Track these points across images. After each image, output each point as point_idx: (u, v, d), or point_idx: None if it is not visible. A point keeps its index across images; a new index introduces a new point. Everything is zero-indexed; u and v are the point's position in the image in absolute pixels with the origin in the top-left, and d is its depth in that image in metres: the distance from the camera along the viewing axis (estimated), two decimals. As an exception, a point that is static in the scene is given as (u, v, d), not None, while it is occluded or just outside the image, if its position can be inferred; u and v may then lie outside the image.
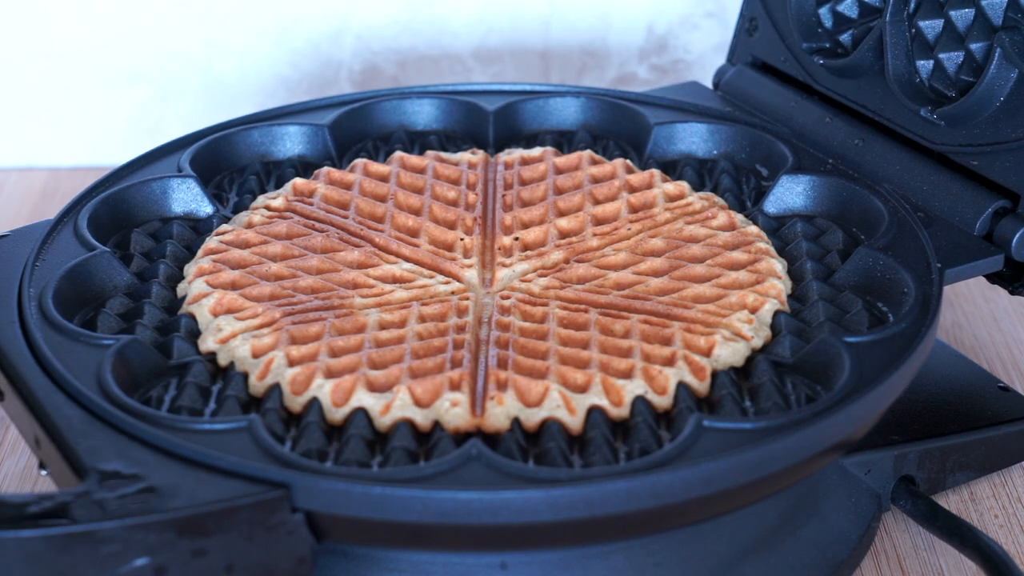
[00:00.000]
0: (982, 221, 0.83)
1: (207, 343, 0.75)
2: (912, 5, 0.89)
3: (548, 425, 0.70)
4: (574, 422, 0.70)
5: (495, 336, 0.75)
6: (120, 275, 0.80)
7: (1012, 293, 0.83)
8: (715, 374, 0.73)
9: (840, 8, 0.95)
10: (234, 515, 0.63)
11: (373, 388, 0.71)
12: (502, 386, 0.71)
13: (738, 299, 0.77)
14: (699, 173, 0.92)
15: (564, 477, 0.65)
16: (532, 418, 0.70)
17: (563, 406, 0.70)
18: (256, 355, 0.73)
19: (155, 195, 0.87)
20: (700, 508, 0.67)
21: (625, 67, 1.24)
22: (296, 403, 0.71)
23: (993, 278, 0.83)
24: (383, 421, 0.70)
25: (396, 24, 1.22)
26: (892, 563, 0.78)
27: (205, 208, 0.87)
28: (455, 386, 0.71)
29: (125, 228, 0.85)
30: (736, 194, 0.89)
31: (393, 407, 0.70)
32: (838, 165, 0.89)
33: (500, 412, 0.70)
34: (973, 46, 0.86)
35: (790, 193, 0.87)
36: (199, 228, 0.86)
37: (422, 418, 0.70)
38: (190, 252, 0.83)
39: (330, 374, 0.72)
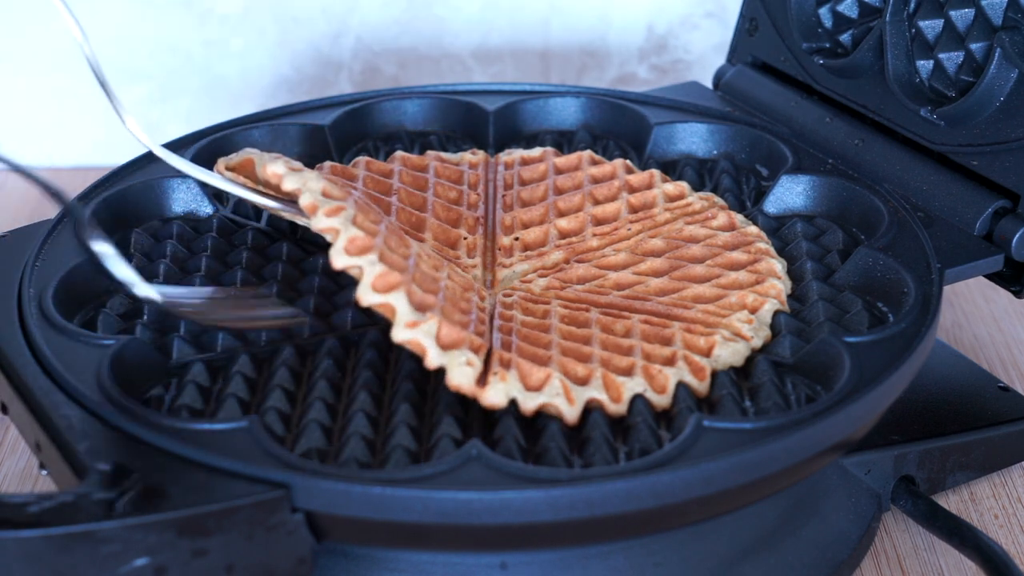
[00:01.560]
0: (982, 221, 0.83)
1: (276, 166, 0.75)
2: (912, 5, 0.89)
3: (548, 424, 0.70)
4: (571, 413, 0.70)
5: (498, 324, 0.75)
6: (120, 275, 0.80)
7: (1018, 296, 0.83)
8: (715, 374, 0.73)
9: (840, 8, 0.95)
10: (234, 515, 0.63)
11: (411, 300, 0.70)
12: (506, 364, 0.71)
13: (738, 299, 0.77)
14: (699, 173, 0.92)
15: (564, 477, 0.65)
16: (530, 402, 0.70)
17: (562, 394, 0.70)
18: (326, 195, 0.73)
19: (155, 195, 0.87)
20: (700, 508, 0.67)
21: (625, 67, 1.24)
22: (342, 260, 0.70)
23: (993, 278, 0.83)
24: (401, 334, 0.69)
25: (396, 24, 1.22)
26: (892, 563, 0.78)
27: (205, 208, 0.87)
28: (475, 349, 0.71)
29: (125, 228, 0.85)
30: (736, 194, 0.89)
31: (419, 328, 0.69)
32: (838, 165, 0.89)
33: (501, 388, 0.70)
34: (973, 46, 0.86)
35: (790, 193, 0.87)
36: (199, 228, 0.86)
37: (434, 356, 0.69)
38: (190, 252, 0.83)
39: (382, 259, 0.71)
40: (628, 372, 0.72)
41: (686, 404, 0.71)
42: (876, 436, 0.76)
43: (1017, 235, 0.81)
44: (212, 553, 0.63)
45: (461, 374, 0.70)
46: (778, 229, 0.86)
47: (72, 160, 1.22)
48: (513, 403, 0.71)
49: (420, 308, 0.70)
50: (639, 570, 0.71)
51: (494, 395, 0.70)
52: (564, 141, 0.96)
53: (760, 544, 0.73)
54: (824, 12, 0.95)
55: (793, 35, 0.96)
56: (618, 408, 0.71)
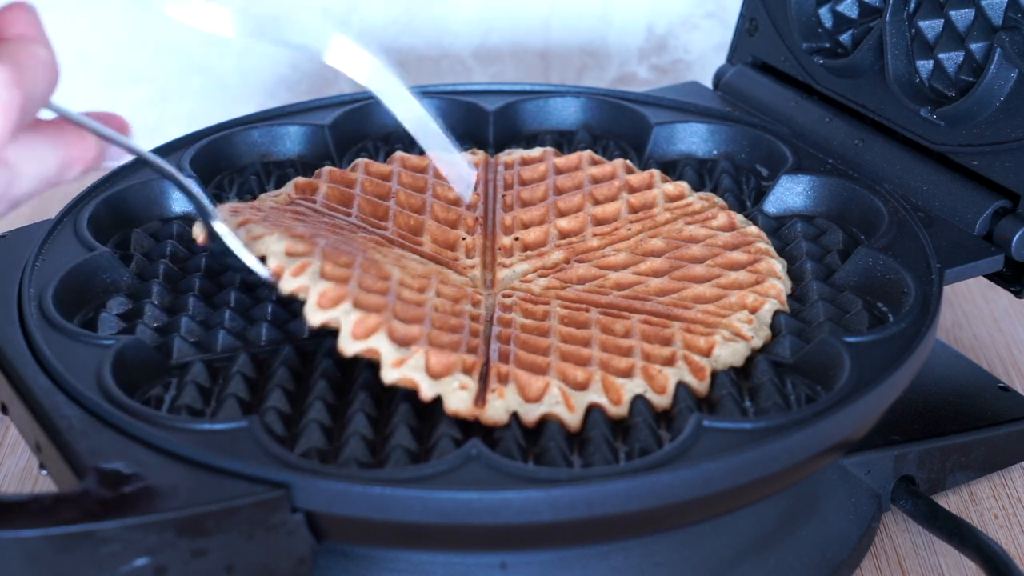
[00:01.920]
0: (982, 221, 0.83)
1: (239, 236, 0.74)
2: (912, 5, 0.89)
3: (547, 424, 0.70)
4: (572, 419, 0.70)
5: (497, 331, 0.75)
6: (120, 275, 0.80)
7: (1018, 296, 0.83)
8: (715, 374, 0.73)
9: (840, 8, 0.95)
10: (234, 515, 0.63)
11: (393, 337, 0.70)
12: (503, 379, 0.71)
13: (738, 299, 0.77)
14: (699, 173, 0.92)
15: (564, 477, 0.65)
16: (531, 413, 0.70)
17: (562, 402, 0.70)
18: (290, 254, 0.73)
19: (155, 195, 0.87)
20: (700, 508, 0.67)
21: (625, 67, 1.24)
22: (317, 317, 0.71)
23: (993, 278, 0.83)
24: (390, 374, 0.69)
25: (396, 24, 1.22)
26: (892, 563, 0.78)
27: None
28: (468, 370, 0.71)
29: (125, 228, 0.85)
30: (736, 194, 0.89)
31: (406, 364, 0.70)
32: (838, 165, 0.89)
33: (500, 405, 0.70)
34: (973, 46, 0.86)
35: (790, 193, 0.87)
36: (199, 228, 0.86)
37: (427, 388, 0.70)
38: (190, 252, 0.83)
39: (358, 305, 0.71)
40: (627, 373, 0.72)
41: (686, 404, 0.71)
42: (876, 436, 0.76)
43: (1017, 235, 0.81)
44: (212, 553, 0.63)
45: (457, 400, 0.70)
46: (778, 229, 0.86)
47: (72, 160, 1.22)
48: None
49: (405, 343, 0.70)
50: (639, 570, 0.71)
51: (494, 413, 0.70)
52: (564, 141, 0.96)
53: (760, 544, 0.73)
54: (824, 12, 0.95)
55: (793, 35, 0.96)
56: (619, 410, 0.71)
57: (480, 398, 0.71)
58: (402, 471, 0.65)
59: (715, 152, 0.94)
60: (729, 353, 0.74)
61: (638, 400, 0.71)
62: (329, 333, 0.77)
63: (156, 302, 0.78)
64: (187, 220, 0.86)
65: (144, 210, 0.86)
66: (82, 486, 0.64)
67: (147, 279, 0.80)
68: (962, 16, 0.87)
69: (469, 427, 0.70)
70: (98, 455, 0.66)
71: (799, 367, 0.74)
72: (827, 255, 0.82)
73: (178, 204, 0.87)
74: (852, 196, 0.86)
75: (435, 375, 0.70)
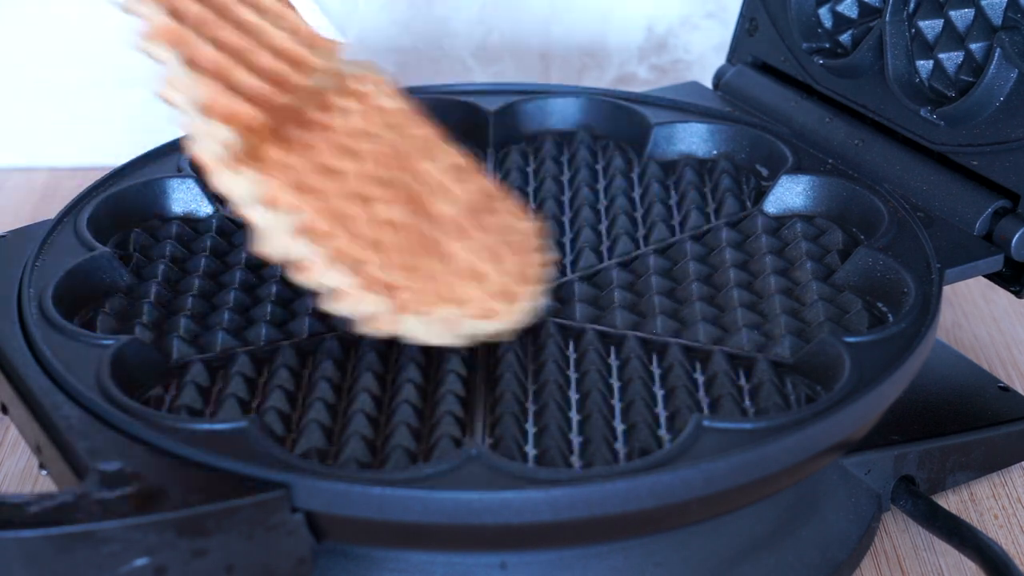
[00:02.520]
0: (982, 221, 0.83)
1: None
2: (912, 5, 0.89)
3: (548, 425, 0.70)
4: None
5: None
6: (120, 275, 0.80)
7: (1018, 296, 0.83)
8: (715, 376, 0.73)
9: (840, 8, 0.95)
10: (234, 515, 0.63)
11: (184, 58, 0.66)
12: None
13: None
14: (699, 173, 0.92)
15: (564, 477, 0.65)
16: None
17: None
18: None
19: (155, 195, 0.87)
20: (700, 508, 0.67)
21: (625, 67, 1.24)
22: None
23: (993, 278, 0.83)
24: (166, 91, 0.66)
25: (396, 24, 1.22)
26: (892, 563, 0.78)
27: (205, 208, 0.87)
28: (247, 125, 0.68)
29: (125, 228, 0.85)
30: (736, 194, 0.89)
31: (178, 87, 0.66)
32: (838, 165, 0.89)
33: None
34: (973, 46, 0.86)
35: (790, 193, 0.87)
36: (199, 228, 0.86)
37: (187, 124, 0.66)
38: (190, 252, 0.83)
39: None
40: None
41: (685, 404, 0.71)
42: (876, 436, 0.76)
43: (1017, 235, 0.81)
44: (212, 553, 0.63)
45: (207, 149, 0.66)
46: (778, 229, 0.86)
47: (72, 160, 1.22)
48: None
49: (192, 66, 0.66)
50: (639, 570, 0.71)
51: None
52: (564, 141, 0.96)
53: (760, 544, 0.73)
54: (824, 12, 0.95)
55: (793, 35, 0.96)
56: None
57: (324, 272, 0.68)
58: (402, 471, 0.65)
59: (715, 152, 0.94)
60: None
61: (638, 399, 0.71)
62: (329, 332, 0.77)
63: (155, 302, 0.78)
64: (187, 220, 0.86)
65: (144, 210, 0.86)
66: (82, 486, 0.64)
67: (147, 279, 0.80)
68: (962, 16, 0.87)
69: (469, 428, 0.70)
70: (98, 455, 0.66)
71: (799, 367, 0.74)
72: (827, 255, 0.82)
73: (178, 204, 0.87)
74: (852, 196, 0.86)
75: (206, 112, 0.66)
